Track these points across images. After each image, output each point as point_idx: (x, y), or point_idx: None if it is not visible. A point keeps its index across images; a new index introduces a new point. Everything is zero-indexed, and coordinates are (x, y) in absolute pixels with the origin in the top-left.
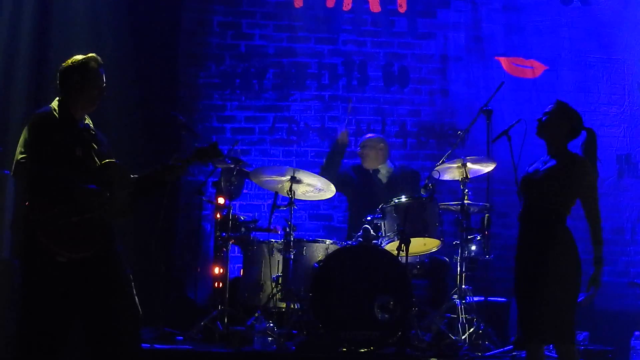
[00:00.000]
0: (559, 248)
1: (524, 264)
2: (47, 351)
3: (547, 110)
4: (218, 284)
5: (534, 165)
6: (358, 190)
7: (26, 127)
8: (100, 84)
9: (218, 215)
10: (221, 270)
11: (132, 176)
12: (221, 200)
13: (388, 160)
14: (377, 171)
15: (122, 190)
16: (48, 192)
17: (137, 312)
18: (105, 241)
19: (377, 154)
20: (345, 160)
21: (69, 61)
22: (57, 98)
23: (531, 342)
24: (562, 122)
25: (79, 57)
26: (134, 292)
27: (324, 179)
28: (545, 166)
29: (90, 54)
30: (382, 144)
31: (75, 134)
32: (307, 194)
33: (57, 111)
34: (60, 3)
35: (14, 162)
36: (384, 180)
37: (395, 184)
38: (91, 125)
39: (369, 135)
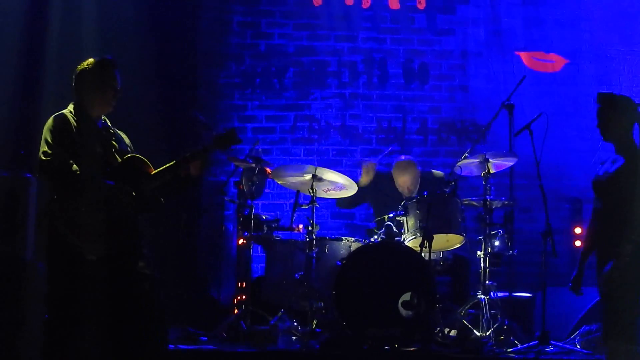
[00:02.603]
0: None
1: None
2: (75, 350)
3: (596, 110)
4: (241, 284)
5: (604, 166)
6: (382, 192)
7: (45, 129)
8: (114, 85)
9: (240, 215)
10: (244, 270)
11: (155, 170)
12: (243, 200)
13: None
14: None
15: (146, 186)
16: (73, 191)
17: (161, 309)
18: (130, 237)
19: (415, 181)
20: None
21: (84, 64)
22: (73, 101)
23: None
24: (613, 117)
25: (92, 59)
26: (158, 290)
27: (345, 176)
28: (614, 166)
29: (104, 56)
30: (416, 171)
31: (94, 133)
32: (328, 192)
33: (73, 113)
34: (80, 5)
35: (38, 162)
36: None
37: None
38: (109, 124)
39: (408, 157)
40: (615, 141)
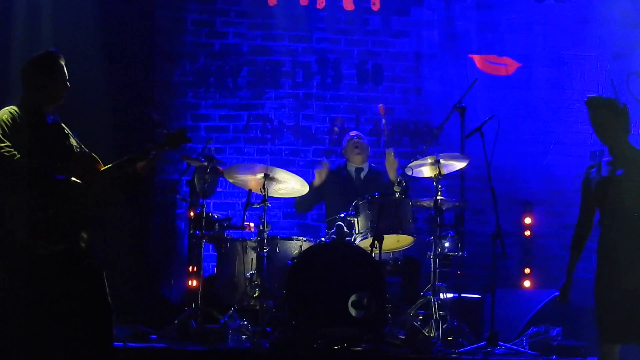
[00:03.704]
0: None
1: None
2: (24, 347)
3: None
4: (192, 282)
5: (603, 169)
6: (336, 191)
7: None
8: (62, 78)
9: (192, 214)
10: (195, 269)
11: (105, 167)
12: (195, 199)
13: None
14: (360, 169)
15: (96, 181)
16: (23, 185)
17: (109, 308)
18: (80, 233)
19: (366, 153)
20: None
21: (32, 57)
22: (21, 95)
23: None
24: (603, 120)
25: (41, 52)
26: (107, 288)
27: (297, 177)
28: (619, 170)
29: (49, 49)
30: (365, 143)
31: (44, 128)
32: (280, 192)
33: (23, 108)
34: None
35: None
36: (363, 178)
37: (371, 184)
38: (59, 119)
39: (357, 133)
40: (607, 143)
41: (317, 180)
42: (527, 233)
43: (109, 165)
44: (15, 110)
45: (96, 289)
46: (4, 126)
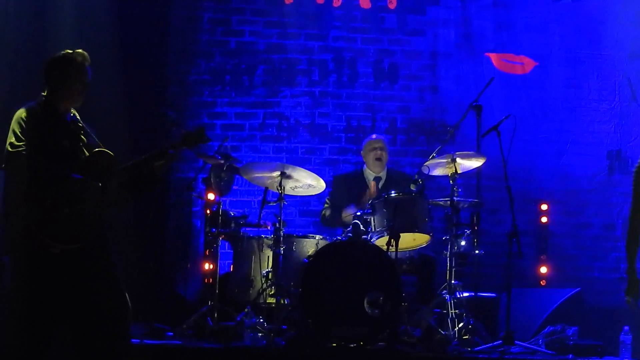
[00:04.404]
0: None
1: None
2: (37, 346)
3: None
4: (208, 280)
5: None
6: (353, 196)
7: (14, 120)
8: (83, 79)
9: (208, 212)
10: (211, 266)
11: (122, 166)
12: (211, 196)
13: None
14: (378, 179)
15: (112, 180)
16: (39, 184)
17: (126, 306)
18: (96, 232)
19: (386, 160)
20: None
21: (55, 55)
22: (42, 93)
23: None
24: None
25: (65, 51)
26: (123, 286)
27: (314, 174)
28: None
29: (76, 49)
30: (387, 150)
31: (62, 126)
32: (296, 190)
33: (42, 105)
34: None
35: (4, 155)
36: (381, 188)
37: (389, 188)
38: (78, 118)
39: (378, 137)
40: None
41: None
42: (544, 220)
43: (125, 165)
44: (34, 108)
45: (111, 288)
46: (22, 124)
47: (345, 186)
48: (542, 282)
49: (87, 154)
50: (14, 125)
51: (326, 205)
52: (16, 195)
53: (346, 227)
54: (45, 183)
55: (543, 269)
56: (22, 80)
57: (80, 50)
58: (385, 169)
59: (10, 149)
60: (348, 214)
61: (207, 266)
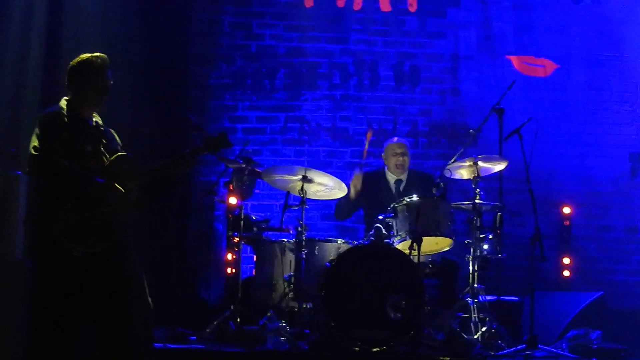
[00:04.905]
0: None
1: None
2: (60, 350)
3: None
4: (230, 284)
5: None
6: (374, 198)
7: (37, 126)
8: (104, 83)
9: (230, 216)
10: (233, 270)
11: (144, 170)
12: (233, 200)
13: None
14: (400, 182)
15: (134, 184)
16: (61, 188)
17: (148, 308)
18: (117, 236)
19: (408, 164)
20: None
21: (76, 60)
22: (65, 97)
23: None
24: None
25: (85, 55)
26: (146, 289)
27: (335, 178)
28: None
29: (96, 53)
30: (408, 155)
31: (84, 130)
32: (318, 194)
33: (64, 109)
34: (71, 4)
35: (28, 159)
36: (402, 190)
37: (409, 191)
38: (100, 123)
39: (399, 140)
40: None
41: (353, 192)
42: (566, 274)
43: (147, 168)
44: (58, 113)
45: (133, 291)
46: (46, 129)
47: (366, 185)
48: (565, 274)
49: (109, 158)
50: (37, 129)
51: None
52: (39, 199)
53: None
54: (67, 187)
55: (566, 272)
56: (45, 84)
57: (99, 54)
58: (407, 171)
59: (33, 152)
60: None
61: (229, 270)
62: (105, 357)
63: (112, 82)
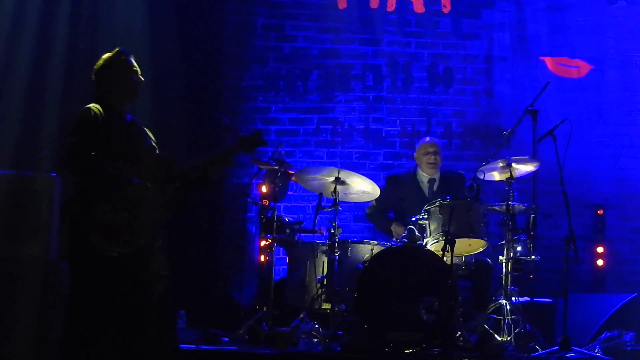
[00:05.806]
0: None
1: None
2: (95, 349)
3: None
4: (263, 286)
5: None
6: (406, 200)
7: (73, 122)
8: (134, 73)
9: (263, 217)
10: (266, 272)
11: (179, 170)
12: (266, 202)
13: None
14: (432, 181)
15: (170, 184)
16: (98, 187)
17: (173, 313)
18: (152, 236)
19: (440, 163)
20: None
21: (99, 62)
22: (97, 96)
23: None
24: None
25: (105, 55)
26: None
27: (369, 180)
28: None
29: (115, 49)
30: (440, 155)
31: (121, 128)
32: (351, 196)
33: (100, 108)
34: (105, 6)
35: (65, 155)
36: (435, 190)
37: (443, 193)
38: (137, 119)
39: (431, 140)
40: None
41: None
42: (600, 263)
43: (183, 168)
44: (95, 109)
45: (161, 293)
46: (82, 125)
47: (398, 186)
48: (599, 263)
49: (145, 157)
50: (72, 126)
51: (373, 203)
52: (73, 199)
53: (389, 235)
54: (104, 186)
55: (599, 261)
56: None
57: (117, 49)
58: (439, 171)
59: (69, 150)
60: (397, 229)
61: (262, 272)
62: (133, 356)
63: (139, 70)
